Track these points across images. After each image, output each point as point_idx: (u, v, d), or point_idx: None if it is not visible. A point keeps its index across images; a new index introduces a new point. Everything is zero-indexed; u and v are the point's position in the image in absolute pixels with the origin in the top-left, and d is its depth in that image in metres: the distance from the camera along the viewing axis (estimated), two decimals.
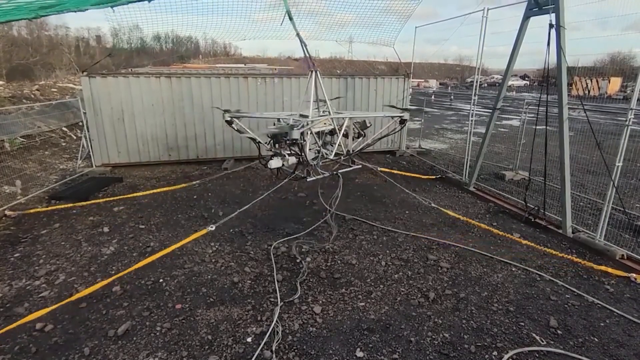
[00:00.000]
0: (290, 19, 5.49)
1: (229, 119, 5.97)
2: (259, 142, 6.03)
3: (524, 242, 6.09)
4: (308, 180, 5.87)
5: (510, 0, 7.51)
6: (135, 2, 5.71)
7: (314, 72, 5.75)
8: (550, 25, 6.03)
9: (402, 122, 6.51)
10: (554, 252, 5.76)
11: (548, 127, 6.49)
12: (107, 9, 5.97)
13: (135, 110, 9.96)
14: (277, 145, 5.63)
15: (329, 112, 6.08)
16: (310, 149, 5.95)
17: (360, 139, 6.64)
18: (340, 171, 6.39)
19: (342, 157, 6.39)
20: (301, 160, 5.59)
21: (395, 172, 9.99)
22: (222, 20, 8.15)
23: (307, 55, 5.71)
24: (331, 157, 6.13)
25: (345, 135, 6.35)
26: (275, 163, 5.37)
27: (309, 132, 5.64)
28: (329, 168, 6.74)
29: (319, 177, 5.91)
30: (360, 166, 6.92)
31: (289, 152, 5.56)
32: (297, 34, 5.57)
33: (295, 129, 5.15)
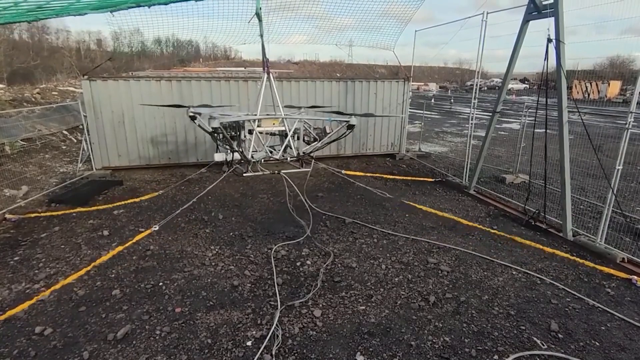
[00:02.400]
0: (260, 20, 5.67)
1: (192, 114, 6.28)
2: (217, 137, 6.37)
3: (525, 242, 6.09)
4: (244, 175, 6.20)
5: (509, 4, 7.55)
6: (134, 8, 5.75)
7: (266, 75, 6.12)
8: (549, 40, 6.07)
9: (350, 127, 6.53)
10: (554, 255, 5.75)
11: (548, 131, 6.50)
12: (107, 13, 6.00)
13: (135, 114, 9.98)
14: (220, 141, 6.11)
15: (281, 113, 6.42)
16: (261, 149, 6.34)
17: (315, 142, 6.74)
18: (283, 171, 6.69)
19: (288, 158, 6.58)
20: (240, 156, 5.95)
21: (370, 174, 10.01)
22: (222, 24, 8.19)
23: (264, 58, 6.07)
24: (276, 156, 6.31)
25: (299, 138, 6.58)
26: (218, 156, 5.89)
27: (250, 130, 5.96)
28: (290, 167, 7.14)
29: (257, 173, 6.42)
30: (309, 169, 7.11)
31: (229, 148, 5.94)
32: (261, 35, 5.80)
33: (215, 120, 5.48)
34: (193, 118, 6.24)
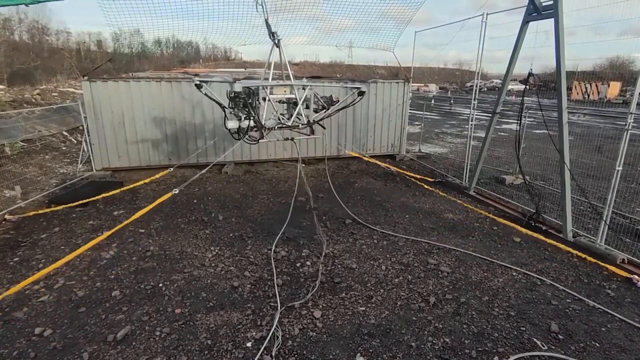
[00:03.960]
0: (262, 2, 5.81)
1: (198, 82, 6.30)
2: (224, 107, 6.36)
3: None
4: (260, 142, 6.11)
5: (509, 6, 7.56)
6: None
7: (274, 46, 6.14)
8: (530, 74, 6.74)
9: (360, 93, 6.73)
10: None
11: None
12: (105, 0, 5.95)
13: (135, 115, 9.98)
14: (235, 108, 6.02)
15: (291, 81, 6.39)
16: (273, 117, 6.29)
17: (323, 110, 6.81)
18: (296, 138, 6.69)
19: (300, 125, 6.60)
20: (255, 122, 5.86)
21: (372, 160, 10.00)
22: (222, 25, 8.20)
23: (270, 31, 6.11)
24: (288, 123, 6.33)
25: (308, 106, 6.61)
26: (231, 124, 5.72)
27: (265, 98, 5.94)
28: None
29: (272, 140, 6.35)
30: (319, 137, 7.10)
31: (245, 115, 5.85)
32: (263, 6, 5.92)
33: (237, 82, 5.47)
34: (199, 87, 6.31)
